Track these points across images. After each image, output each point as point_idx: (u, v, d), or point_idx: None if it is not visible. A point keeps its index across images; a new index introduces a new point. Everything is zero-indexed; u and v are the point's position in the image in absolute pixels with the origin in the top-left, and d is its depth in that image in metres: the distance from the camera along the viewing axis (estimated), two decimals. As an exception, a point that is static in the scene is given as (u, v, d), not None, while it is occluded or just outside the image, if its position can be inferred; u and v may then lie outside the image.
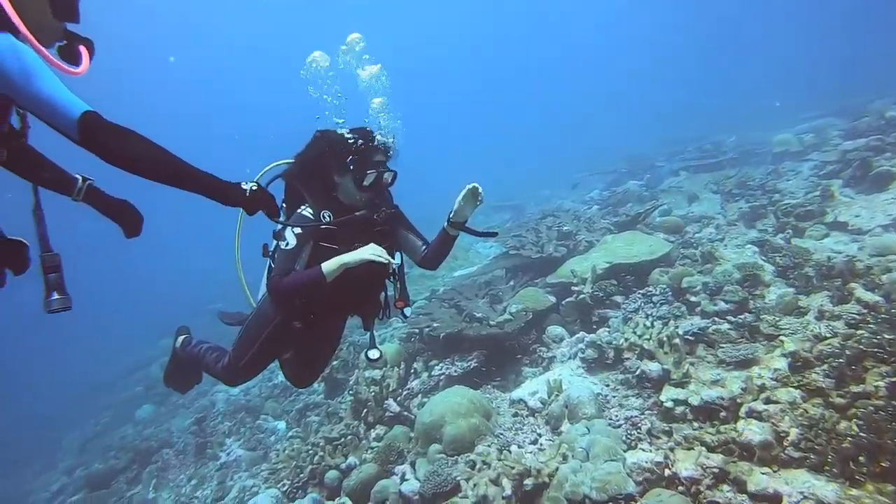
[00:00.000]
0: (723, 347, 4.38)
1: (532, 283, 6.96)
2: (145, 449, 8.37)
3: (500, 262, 8.25)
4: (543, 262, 7.06)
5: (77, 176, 2.25)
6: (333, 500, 4.63)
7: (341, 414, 5.81)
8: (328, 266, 2.44)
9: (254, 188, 2.14)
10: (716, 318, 4.96)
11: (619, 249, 6.36)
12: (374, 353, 2.79)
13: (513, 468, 3.55)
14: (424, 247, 2.87)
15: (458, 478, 3.77)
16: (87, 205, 2.32)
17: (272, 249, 2.68)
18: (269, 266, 2.76)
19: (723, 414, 3.66)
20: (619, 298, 5.87)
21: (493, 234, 3.10)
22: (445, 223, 2.75)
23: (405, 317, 2.89)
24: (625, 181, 12.12)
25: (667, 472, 3.29)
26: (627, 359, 4.79)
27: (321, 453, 5.01)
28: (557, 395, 4.51)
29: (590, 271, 6.05)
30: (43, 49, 1.64)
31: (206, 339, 3.45)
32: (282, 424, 7.72)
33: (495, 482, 3.60)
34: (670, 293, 5.49)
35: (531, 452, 3.91)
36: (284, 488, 4.89)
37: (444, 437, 4.38)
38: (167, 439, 8.52)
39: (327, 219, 2.56)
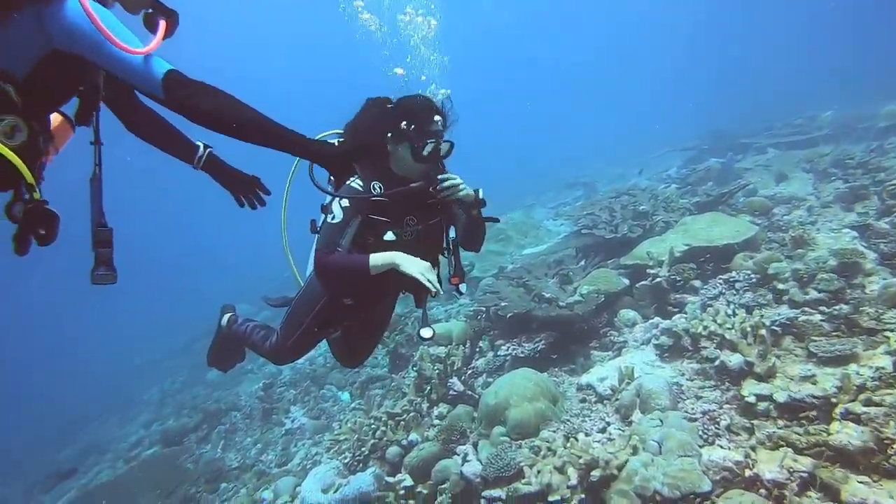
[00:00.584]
0: (815, 341, 4.03)
1: (604, 264, 6.71)
2: (214, 410, 8.86)
3: (570, 242, 8.02)
4: (617, 242, 6.78)
5: (199, 143, 2.30)
6: (394, 475, 4.69)
7: (404, 389, 5.88)
8: (375, 260, 2.33)
9: (342, 141, 2.08)
10: (806, 309, 4.58)
11: (699, 231, 5.99)
12: (426, 332, 2.67)
13: (580, 457, 3.44)
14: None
15: (522, 463, 3.71)
16: (206, 173, 2.38)
17: (319, 224, 2.58)
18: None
19: (813, 414, 3.38)
20: (697, 283, 5.56)
21: (496, 220, 2.92)
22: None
23: (460, 293, 2.79)
24: (706, 158, 11.42)
25: (747, 472, 3.08)
26: (705, 348, 4.53)
27: (383, 428, 5.09)
28: (629, 383, 4.34)
29: (667, 254, 5.75)
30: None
31: (251, 317, 3.47)
32: (345, 395, 7.93)
33: (560, 470, 3.51)
34: (755, 280, 5.12)
35: (599, 442, 3.78)
36: (346, 460, 5.00)
37: (509, 421, 4.32)
38: (235, 402, 8.98)
39: (378, 190, 2.44)
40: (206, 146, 2.32)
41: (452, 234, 2.69)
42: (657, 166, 14.13)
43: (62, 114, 2.04)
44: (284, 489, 5.33)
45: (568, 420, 4.28)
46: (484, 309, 6.38)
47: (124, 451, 9.78)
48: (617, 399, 4.33)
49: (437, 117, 2.47)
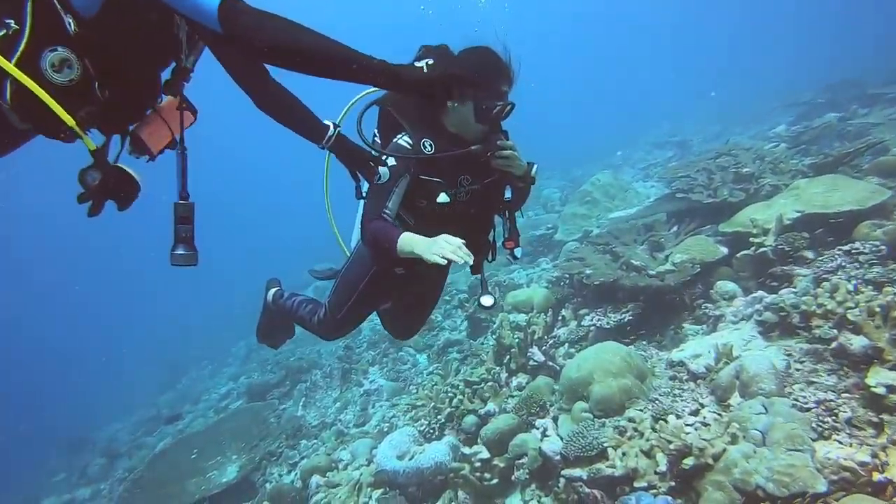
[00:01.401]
0: (961, 326, 3.46)
1: (700, 230, 6.18)
2: (297, 367, 9.20)
3: (662, 206, 7.46)
4: (715, 207, 6.19)
5: (328, 122, 2.19)
6: (470, 446, 4.61)
7: (483, 357, 5.76)
8: (403, 243, 2.10)
9: (430, 64, 1.82)
10: (952, 288, 3.96)
11: (814, 196, 5.31)
12: (486, 300, 2.46)
13: (670, 442, 3.18)
14: None
15: (606, 444, 3.49)
16: (332, 153, 2.25)
17: (365, 190, 2.38)
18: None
19: (960, 411, 2.90)
20: (810, 254, 4.97)
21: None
22: None
23: (515, 258, 2.58)
24: (823, 113, 10.19)
25: (876, 476, 2.70)
26: (819, 327, 4.03)
27: (460, 396, 5.01)
28: (727, 363, 3.95)
29: (774, 221, 5.16)
30: None
31: (298, 291, 3.36)
32: (423, 358, 7.96)
33: (648, 454, 3.26)
34: (886, 251, 4.48)
35: (692, 426, 3.48)
36: (421, 428, 4.98)
37: (592, 396, 4.09)
38: (316, 361, 9.27)
39: (429, 149, 2.24)
40: (335, 125, 2.20)
41: (508, 194, 2.45)
42: (763, 124, 12.88)
43: (185, 100, 1.98)
44: (361, 452, 5.43)
45: (657, 399, 3.98)
46: (567, 276, 6.08)
47: (215, 401, 10.46)
48: (713, 379, 3.96)
49: (506, 77, 2.24)
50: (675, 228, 6.64)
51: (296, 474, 5.78)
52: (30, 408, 17.81)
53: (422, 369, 7.71)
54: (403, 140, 2.26)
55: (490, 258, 2.68)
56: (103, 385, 17.26)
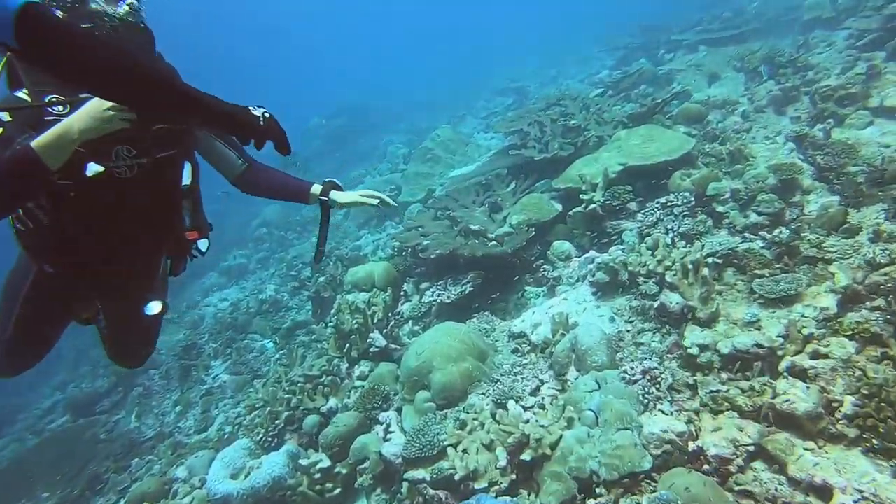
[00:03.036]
0: (758, 275, 3.73)
1: (535, 187, 6.19)
2: (129, 371, 8.14)
3: (500, 161, 7.39)
4: (548, 162, 6.22)
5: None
6: (316, 449, 4.26)
7: (324, 345, 5.36)
8: (43, 139, 1.51)
9: (266, 115, 1.59)
10: (747, 235, 4.28)
11: (634, 148, 5.50)
12: (150, 308, 2.12)
13: (509, 434, 3.08)
14: (245, 165, 2.19)
15: (446, 442, 3.32)
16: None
17: None
18: None
19: (758, 365, 3.10)
20: (634, 206, 5.16)
21: (320, 256, 2.36)
22: (319, 191, 2.27)
23: (201, 253, 2.16)
24: (638, 58, 10.78)
25: (691, 445, 2.80)
26: (644, 282, 4.20)
27: (299, 396, 4.60)
28: (563, 335, 3.97)
29: (601, 175, 5.27)
30: None
31: None
32: (270, 344, 7.40)
33: (489, 448, 3.15)
34: (694, 202, 4.75)
35: (531, 409, 3.43)
36: (258, 437, 4.51)
37: (433, 385, 3.91)
38: (153, 358, 8.27)
39: (60, 108, 1.61)
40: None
41: (187, 177, 2.00)
42: (591, 66, 13.43)
43: None
44: (199, 467, 4.86)
45: (498, 380, 3.90)
46: (407, 248, 5.80)
47: (35, 419, 8.99)
48: (551, 352, 3.96)
49: None
50: (512, 185, 6.61)
51: (122, 506, 5.06)
52: None
53: (269, 356, 7.15)
54: (22, 93, 1.63)
55: (175, 263, 2.21)
56: None
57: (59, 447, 6.40)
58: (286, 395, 4.65)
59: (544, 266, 5.26)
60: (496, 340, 4.57)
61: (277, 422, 4.52)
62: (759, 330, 3.31)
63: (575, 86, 12.17)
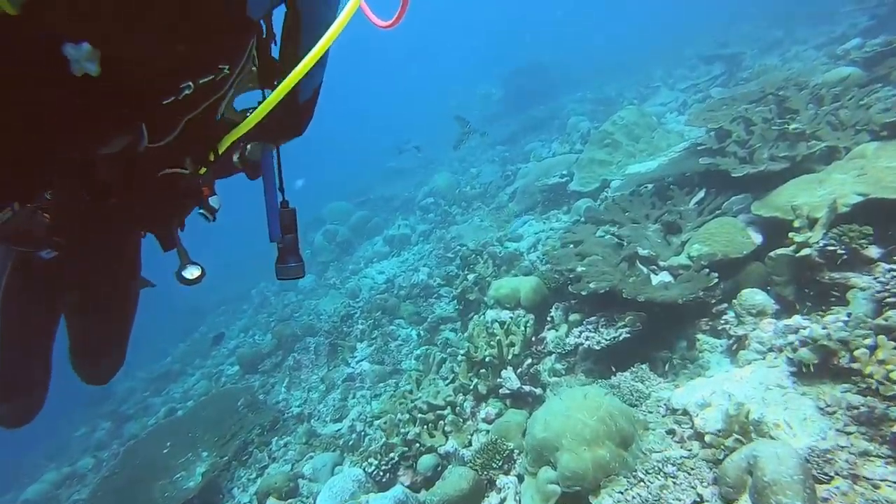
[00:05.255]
0: None
1: (728, 203, 4.91)
2: (289, 336, 8.69)
3: (689, 162, 6.09)
4: (751, 176, 4.88)
5: None
6: (427, 488, 3.88)
7: (455, 368, 4.90)
8: None
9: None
10: None
11: (886, 173, 3.97)
12: (189, 272, 1.65)
13: None
14: None
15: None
16: None
17: None
18: None
19: None
20: (874, 252, 3.76)
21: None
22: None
23: (211, 214, 1.66)
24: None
25: None
26: (874, 377, 2.98)
27: (416, 430, 4.23)
28: (740, 440, 2.97)
29: (825, 208, 3.90)
30: None
31: None
32: (414, 333, 7.25)
33: None
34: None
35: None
36: (371, 468, 4.26)
37: (560, 465, 3.22)
38: (312, 325, 8.77)
39: None
40: None
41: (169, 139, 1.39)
42: (835, 26, 10.68)
43: None
44: (322, 471, 4.91)
45: (642, 479, 3.08)
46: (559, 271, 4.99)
47: (220, 359, 10.27)
48: (718, 458, 3.01)
49: None
50: (700, 195, 5.37)
51: (253, 495, 5.28)
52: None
53: (411, 349, 7.00)
54: None
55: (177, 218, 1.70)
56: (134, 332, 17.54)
57: (219, 407, 7.03)
58: (405, 428, 4.32)
59: (727, 315, 4.15)
60: (648, 411, 3.69)
61: (392, 455, 4.22)
62: None
63: (808, 55, 9.83)
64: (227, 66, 1.26)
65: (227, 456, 5.98)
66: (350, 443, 5.30)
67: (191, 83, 1.18)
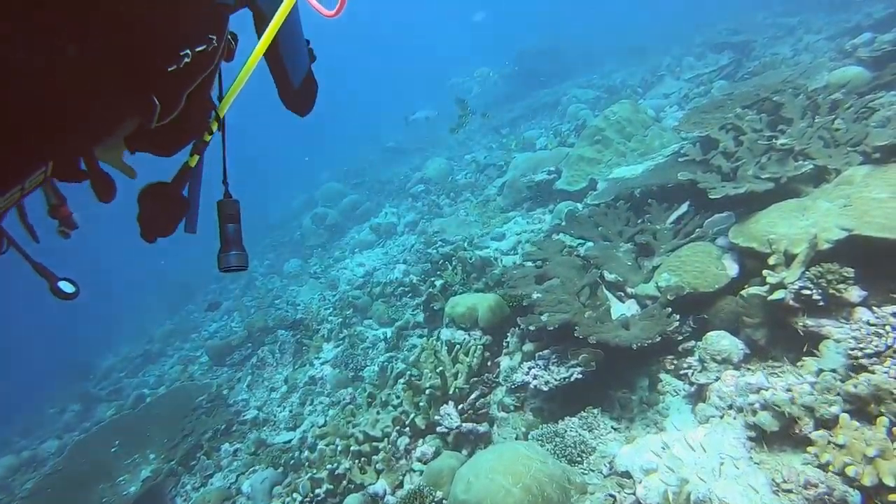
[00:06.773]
0: None
1: (705, 230, 4.47)
2: (261, 328, 8.44)
3: (673, 171, 5.62)
4: (731, 198, 4.42)
5: None
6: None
7: (396, 394, 4.56)
8: None
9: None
10: None
11: (874, 206, 3.51)
12: (66, 287, 1.42)
13: None
14: None
15: None
16: None
17: None
18: None
19: None
20: (854, 295, 3.34)
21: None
22: None
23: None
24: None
25: None
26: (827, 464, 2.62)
27: (346, 465, 3.93)
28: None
29: (805, 244, 3.47)
30: None
31: None
32: (382, 335, 6.94)
33: None
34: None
35: None
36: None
37: (480, 539, 2.90)
38: (285, 317, 8.56)
39: None
40: None
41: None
42: (849, 17, 9.95)
43: None
44: (259, 491, 4.63)
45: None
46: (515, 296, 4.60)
47: (198, 342, 10.18)
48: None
49: None
50: (681, 210, 4.92)
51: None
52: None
53: (377, 354, 6.68)
54: None
55: None
56: (125, 306, 17.53)
57: (177, 403, 6.80)
58: (337, 459, 4.03)
59: (691, 358, 3.77)
60: (591, 469, 3.35)
61: (318, 491, 3.93)
62: None
63: (820, 46, 9.16)
64: (214, 37, 1.32)
65: (173, 461, 5.76)
66: (292, 461, 5.01)
67: (188, 50, 1.24)
